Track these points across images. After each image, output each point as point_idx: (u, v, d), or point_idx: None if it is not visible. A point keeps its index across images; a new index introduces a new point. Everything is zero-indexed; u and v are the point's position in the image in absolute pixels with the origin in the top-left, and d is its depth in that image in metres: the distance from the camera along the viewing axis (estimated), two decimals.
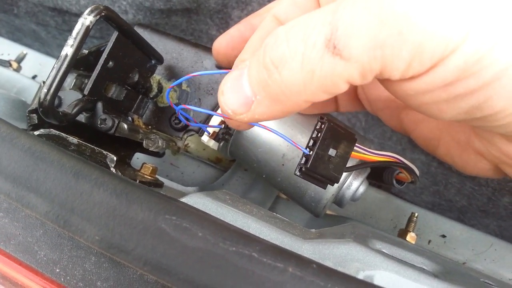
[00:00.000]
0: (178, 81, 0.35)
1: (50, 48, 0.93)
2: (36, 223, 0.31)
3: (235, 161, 0.61)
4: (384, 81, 0.27)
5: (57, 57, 0.84)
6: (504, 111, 0.26)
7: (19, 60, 0.68)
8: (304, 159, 0.34)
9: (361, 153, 0.37)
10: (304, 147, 0.36)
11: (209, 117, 0.47)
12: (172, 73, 0.49)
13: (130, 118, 0.46)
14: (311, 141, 0.34)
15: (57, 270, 0.30)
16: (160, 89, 0.47)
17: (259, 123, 0.40)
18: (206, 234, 0.24)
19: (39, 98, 0.34)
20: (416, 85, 0.26)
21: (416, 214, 0.55)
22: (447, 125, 0.36)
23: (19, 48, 0.78)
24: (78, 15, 0.75)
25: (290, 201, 0.60)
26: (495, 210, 0.81)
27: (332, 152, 0.34)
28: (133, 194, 0.26)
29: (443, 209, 0.83)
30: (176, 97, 0.48)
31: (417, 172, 0.42)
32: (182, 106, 0.34)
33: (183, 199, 0.36)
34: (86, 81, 0.42)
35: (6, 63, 0.64)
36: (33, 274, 0.31)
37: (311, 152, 0.33)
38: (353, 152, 0.35)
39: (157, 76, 0.48)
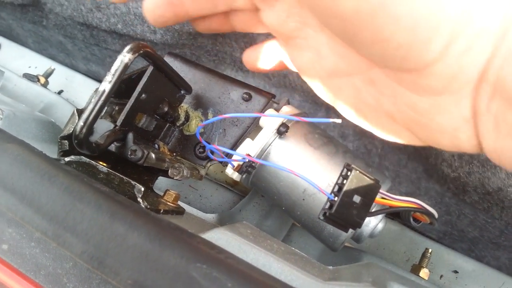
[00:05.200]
0: (211, 120, 0.36)
1: (75, 60, 0.94)
2: (66, 255, 0.32)
3: None
4: None
5: (82, 69, 0.86)
6: (396, 9, 0.23)
7: (47, 75, 0.69)
8: (328, 204, 0.34)
9: (384, 198, 0.37)
10: (325, 185, 0.37)
11: (233, 148, 0.48)
12: (199, 103, 0.50)
13: (156, 145, 0.47)
14: (336, 187, 0.34)
15: None
16: (187, 118, 0.48)
17: (280, 164, 0.41)
18: (235, 286, 0.25)
19: (75, 131, 0.35)
20: None
21: (430, 250, 0.56)
22: (352, 88, 0.35)
23: (45, 60, 0.80)
24: (107, 31, 0.77)
25: (305, 230, 0.60)
26: (507, 243, 0.81)
27: (356, 198, 0.34)
28: (166, 239, 0.27)
29: (454, 239, 0.83)
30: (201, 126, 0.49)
31: (436, 216, 0.43)
32: (214, 146, 0.35)
33: (207, 236, 0.37)
34: (116, 107, 0.44)
35: (34, 78, 0.66)
36: None
37: (336, 198, 0.34)
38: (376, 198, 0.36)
39: (185, 105, 0.49)
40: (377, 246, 0.61)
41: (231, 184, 0.66)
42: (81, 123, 0.35)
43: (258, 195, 0.60)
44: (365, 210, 0.35)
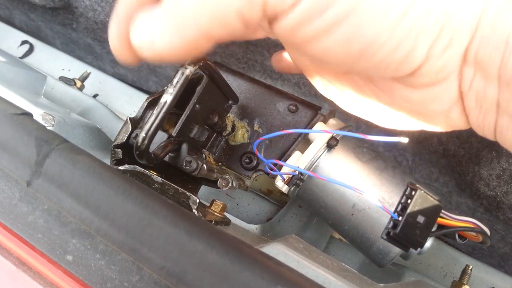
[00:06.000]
0: (271, 135, 0.36)
1: (103, 63, 0.95)
2: (132, 268, 0.32)
3: (287, 194, 0.62)
4: (274, 23, 0.27)
5: (108, 72, 0.86)
6: (377, 41, 0.26)
7: (83, 79, 0.69)
8: (392, 223, 0.34)
9: (444, 218, 0.37)
10: (377, 199, 0.37)
11: (281, 158, 0.47)
12: (245, 113, 0.49)
13: (203, 155, 0.47)
14: (400, 206, 0.34)
15: None
16: (233, 128, 0.48)
17: (328, 177, 0.41)
18: None
19: (137, 142, 0.35)
20: (295, 18, 0.26)
21: (471, 267, 0.55)
22: (353, 83, 0.37)
23: (77, 63, 0.80)
24: None
25: (343, 242, 0.60)
26: None
27: (420, 218, 0.34)
28: (245, 259, 0.26)
29: (484, 254, 0.82)
30: (247, 136, 0.49)
31: (489, 234, 0.42)
32: (273, 160, 0.35)
33: (266, 249, 0.36)
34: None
35: (71, 82, 0.66)
36: None
37: (400, 217, 0.34)
38: None
39: (231, 115, 0.49)
40: (413, 261, 0.61)
41: (265, 193, 0.65)
42: (143, 134, 0.35)
43: (295, 205, 0.59)
44: (427, 230, 0.35)
